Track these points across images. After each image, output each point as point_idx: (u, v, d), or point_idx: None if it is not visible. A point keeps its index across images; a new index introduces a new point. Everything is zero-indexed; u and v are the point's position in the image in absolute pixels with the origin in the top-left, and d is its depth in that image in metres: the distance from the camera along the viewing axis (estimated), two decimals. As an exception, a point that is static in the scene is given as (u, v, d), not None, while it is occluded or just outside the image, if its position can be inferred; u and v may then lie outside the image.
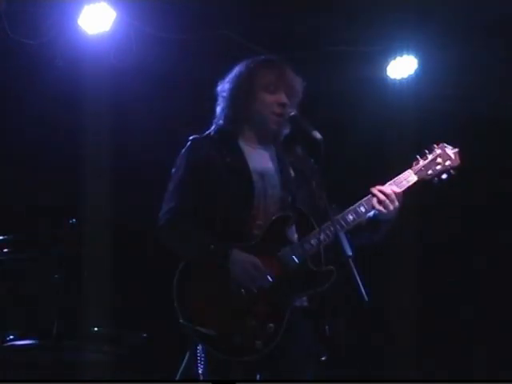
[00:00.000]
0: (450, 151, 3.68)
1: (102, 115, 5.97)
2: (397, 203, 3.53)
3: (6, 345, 4.14)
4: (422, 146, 3.77)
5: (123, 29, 5.46)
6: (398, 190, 3.55)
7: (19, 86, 5.77)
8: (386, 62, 6.04)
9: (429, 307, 6.75)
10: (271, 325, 3.39)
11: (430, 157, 3.65)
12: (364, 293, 3.08)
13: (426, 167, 3.63)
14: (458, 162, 3.67)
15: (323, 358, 3.50)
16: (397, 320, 6.80)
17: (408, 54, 5.94)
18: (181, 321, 3.35)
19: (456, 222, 6.81)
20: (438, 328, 6.77)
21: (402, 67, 6.00)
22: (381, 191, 3.53)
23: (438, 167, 3.64)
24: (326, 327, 3.48)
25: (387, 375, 6.62)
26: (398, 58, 5.96)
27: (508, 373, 6.14)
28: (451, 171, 3.65)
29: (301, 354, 3.47)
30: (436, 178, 3.65)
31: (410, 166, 3.64)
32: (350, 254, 3.17)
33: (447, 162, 3.65)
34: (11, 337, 4.16)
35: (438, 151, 3.67)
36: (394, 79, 6.05)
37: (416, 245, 6.71)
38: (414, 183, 3.61)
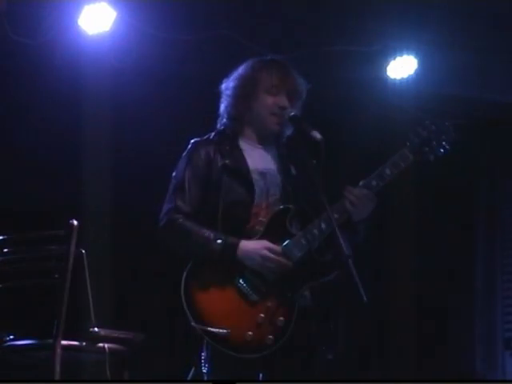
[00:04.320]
0: (444, 126, 3.65)
1: (102, 115, 5.97)
2: (369, 203, 3.50)
3: (5, 345, 4.13)
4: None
5: (123, 29, 5.46)
6: (366, 191, 3.51)
7: (19, 85, 5.76)
8: (386, 62, 6.04)
9: (429, 307, 6.75)
10: (281, 318, 3.40)
11: (424, 134, 3.62)
12: (363, 293, 3.08)
13: (421, 144, 3.60)
14: (453, 136, 3.64)
15: (330, 357, 3.50)
16: (397, 320, 6.80)
17: (408, 54, 5.94)
18: (192, 323, 3.35)
19: (456, 222, 6.81)
20: (438, 328, 6.76)
21: (402, 67, 6.01)
22: (351, 193, 3.51)
23: (433, 143, 3.61)
24: (330, 327, 3.49)
25: (387, 375, 6.62)
26: (398, 58, 5.96)
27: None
28: (447, 146, 3.62)
29: (305, 353, 3.48)
30: (432, 155, 3.61)
31: (403, 146, 3.61)
32: (349, 253, 3.17)
33: (442, 137, 3.62)
34: (11, 337, 4.15)
35: (432, 127, 3.63)
36: (394, 79, 6.05)
37: (415, 243, 6.71)
38: (411, 162, 3.57)
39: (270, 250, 3.42)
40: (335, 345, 3.50)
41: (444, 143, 3.61)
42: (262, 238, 3.48)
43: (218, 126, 3.74)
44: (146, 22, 5.44)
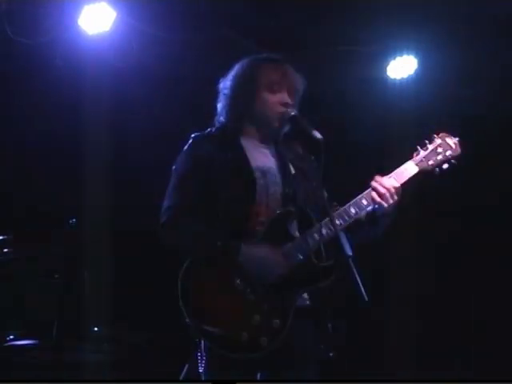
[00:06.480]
0: (451, 141, 3.64)
1: (102, 115, 5.97)
2: (396, 197, 3.51)
3: (5, 345, 4.13)
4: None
5: (123, 29, 5.46)
6: (397, 185, 3.53)
7: (19, 86, 5.77)
8: (386, 62, 6.05)
9: (429, 307, 6.76)
10: (276, 321, 3.38)
11: (430, 147, 3.61)
12: (364, 293, 3.07)
13: (427, 158, 3.59)
14: (458, 151, 3.63)
15: (331, 355, 3.49)
16: (397, 320, 6.81)
17: (408, 54, 5.94)
18: (187, 320, 3.34)
19: (457, 222, 6.81)
20: (438, 328, 6.77)
21: (402, 67, 6.01)
22: (381, 184, 3.52)
23: (439, 157, 3.60)
24: (329, 326, 3.48)
25: (387, 375, 6.62)
26: (398, 58, 5.96)
27: (508, 372, 6.15)
28: (452, 161, 3.62)
29: (303, 353, 3.47)
30: (437, 169, 3.60)
31: (410, 157, 3.62)
32: (350, 253, 3.17)
33: (448, 152, 3.61)
34: (11, 337, 4.15)
35: (439, 141, 3.63)
36: (394, 79, 6.05)
37: (416, 244, 6.71)
38: (415, 174, 3.59)
39: (272, 254, 3.40)
40: (334, 344, 3.49)
41: (450, 158, 3.61)
42: (262, 240, 3.45)
43: (217, 124, 3.71)
44: (145, 21, 5.44)
